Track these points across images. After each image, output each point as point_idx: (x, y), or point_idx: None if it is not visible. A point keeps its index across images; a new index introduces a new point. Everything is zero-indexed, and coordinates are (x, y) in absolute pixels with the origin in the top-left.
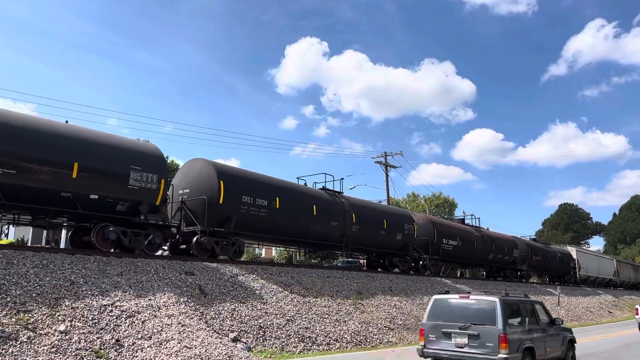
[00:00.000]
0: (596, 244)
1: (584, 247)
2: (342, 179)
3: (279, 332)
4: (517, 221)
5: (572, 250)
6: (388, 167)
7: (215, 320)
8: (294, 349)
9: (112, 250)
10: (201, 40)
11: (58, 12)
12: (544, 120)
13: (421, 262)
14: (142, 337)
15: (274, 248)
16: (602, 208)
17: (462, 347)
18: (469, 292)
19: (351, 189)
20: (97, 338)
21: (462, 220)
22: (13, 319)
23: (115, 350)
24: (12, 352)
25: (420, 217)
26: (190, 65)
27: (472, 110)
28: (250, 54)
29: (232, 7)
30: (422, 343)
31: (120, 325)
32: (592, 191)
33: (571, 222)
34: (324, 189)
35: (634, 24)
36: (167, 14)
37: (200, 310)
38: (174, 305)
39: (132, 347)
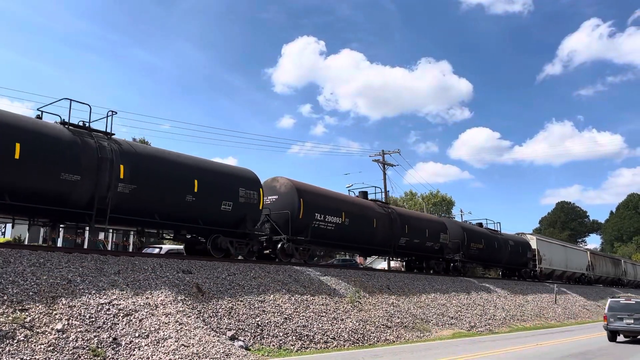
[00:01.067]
0: (593, 242)
1: (581, 245)
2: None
3: (276, 330)
4: (515, 219)
5: (532, 239)
6: (386, 166)
7: (212, 319)
8: (292, 347)
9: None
10: (200, 39)
11: (55, 10)
12: (540, 119)
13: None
14: (139, 335)
15: None
16: (599, 206)
17: (630, 324)
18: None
19: (348, 187)
20: (95, 336)
21: (365, 195)
22: (10, 318)
23: (113, 349)
24: (9, 350)
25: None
26: (189, 63)
27: (468, 110)
28: (249, 53)
29: (232, 5)
30: (605, 323)
31: (118, 324)
32: (589, 189)
33: (568, 220)
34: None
35: (628, 24)
36: (165, 12)
37: (198, 309)
38: (171, 303)
39: (130, 345)
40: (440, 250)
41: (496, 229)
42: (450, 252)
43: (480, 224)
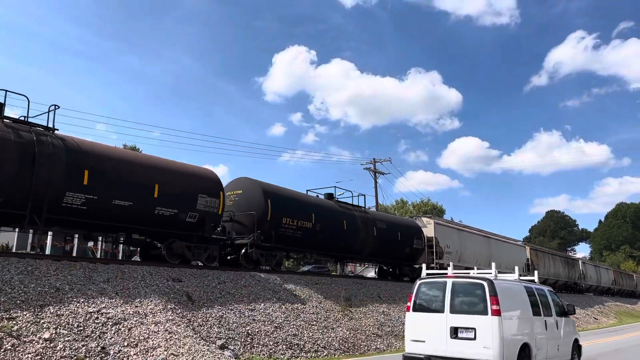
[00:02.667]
0: (582, 250)
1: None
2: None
3: (266, 339)
4: (505, 228)
5: (429, 223)
6: (377, 174)
7: (202, 327)
8: (282, 356)
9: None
10: (192, 46)
11: (47, 15)
12: (528, 128)
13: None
14: (128, 344)
15: None
16: (586, 215)
17: None
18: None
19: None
20: (83, 346)
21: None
22: None
23: (101, 359)
24: None
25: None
26: (181, 70)
27: (458, 119)
28: (241, 61)
29: (226, 13)
30: None
31: (106, 333)
32: (576, 199)
33: (558, 228)
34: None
35: (613, 36)
36: (158, 19)
37: (188, 317)
38: (160, 312)
39: (118, 354)
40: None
41: (359, 205)
42: (245, 233)
43: (331, 195)
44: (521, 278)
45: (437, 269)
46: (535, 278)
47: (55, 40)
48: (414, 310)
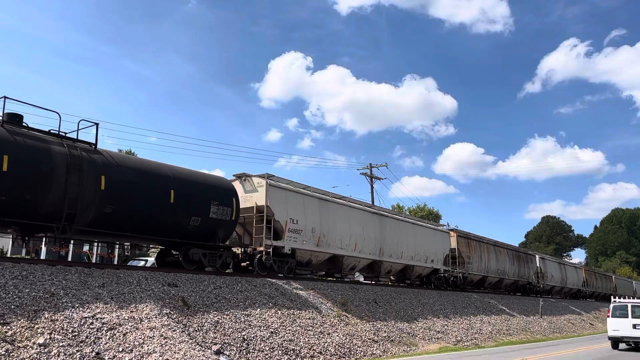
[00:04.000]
0: (578, 256)
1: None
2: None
3: (262, 345)
4: (500, 234)
5: (261, 185)
6: (373, 179)
7: (198, 333)
8: None
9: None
10: (191, 51)
11: (44, 20)
12: (523, 135)
13: None
14: (123, 350)
15: None
16: (580, 221)
17: None
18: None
19: None
20: (77, 351)
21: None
22: None
23: None
24: None
25: None
26: (179, 75)
27: (453, 125)
28: (239, 66)
29: (224, 18)
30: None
31: (101, 338)
32: (571, 204)
33: (553, 234)
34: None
35: (605, 44)
36: (155, 24)
37: (183, 323)
38: (156, 317)
39: None
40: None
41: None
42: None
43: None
44: None
45: (273, 251)
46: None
47: (54, 45)
48: (612, 317)
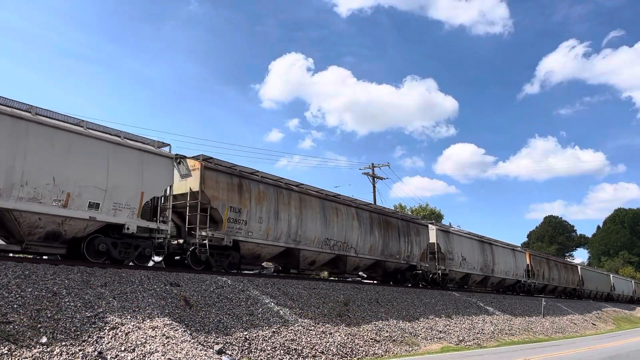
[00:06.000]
0: (580, 256)
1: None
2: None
3: (264, 344)
4: (502, 233)
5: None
6: (375, 179)
7: (200, 332)
8: None
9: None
10: (194, 51)
11: (50, 20)
12: (523, 135)
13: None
14: (125, 349)
15: None
16: (581, 221)
17: None
18: None
19: None
20: (79, 350)
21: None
22: None
23: None
24: None
25: None
26: (182, 75)
27: (454, 126)
28: (242, 66)
29: (229, 17)
30: None
31: (103, 338)
32: (572, 204)
33: (556, 234)
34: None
35: (603, 45)
36: (160, 24)
37: (185, 322)
38: (158, 316)
39: (115, 359)
40: None
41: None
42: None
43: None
44: None
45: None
46: None
47: (58, 45)
48: None
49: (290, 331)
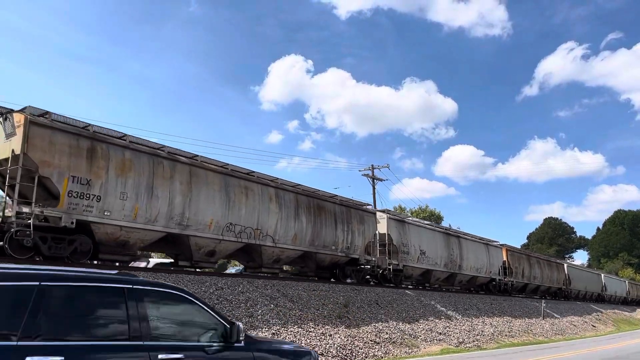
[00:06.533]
0: (580, 258)
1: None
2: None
3: None
4: (502, 235)
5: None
6: (375, 180)
7: None
8: None
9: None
10: (195, 52)
11: (50, 21)
12: (522, 137)
13: None
14: None
15: None
16: (581, 223)
17: None
18: None
19: None
20: None
21: None
22: None
23: None
24: None
25: None
26: (183, 75)
27: (453, 128)
28: (242, 67)
29: (229, 18)
30: None
31: None
32: (571, 206)
33: (556, 236)
34: None
35: (601, 48)
36: (161, 25)
37: None
38: None
39: None
40: None
41: None
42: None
43: None
44: None
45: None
46: None
47: (58, 45)
48: None
49: (289, 333)
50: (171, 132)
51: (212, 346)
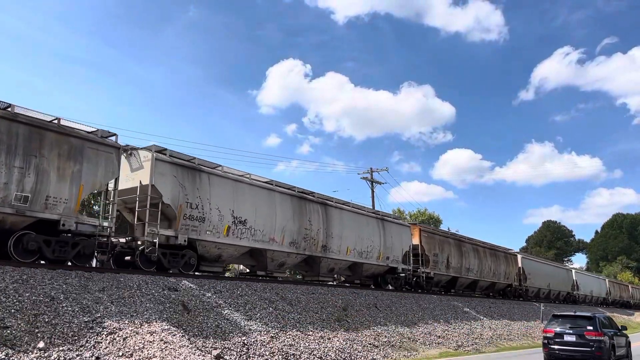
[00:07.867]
0: (579, 261)
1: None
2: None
3: (262, 350)
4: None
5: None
6: (374, 183)
7: (198, 338)
8: None
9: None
10: (194, 56)
11: (49, 24)
12: (520, 141)
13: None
14: (123, 354)
15: None
16: (578, 226)
17: None
18: None
19: None
20: (77, 355)
21: None
22: None
23: None
24: None
25: None
26: (182, 79)
27: (451, 132)
28: (239, 72)
29: (230, 22)
30: None
31: (101, 343)
32: (569, 209)
33: (554, 239)
34: None
35: (597, 52)
36: (161, 29)
37: (183, 327)
38: (156, 321)
39: None
40: None
41: None
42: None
43: None
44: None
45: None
46: None
47: (58, 49)
48: None
49: (288, 336)
50: (170, 135)
51: None
